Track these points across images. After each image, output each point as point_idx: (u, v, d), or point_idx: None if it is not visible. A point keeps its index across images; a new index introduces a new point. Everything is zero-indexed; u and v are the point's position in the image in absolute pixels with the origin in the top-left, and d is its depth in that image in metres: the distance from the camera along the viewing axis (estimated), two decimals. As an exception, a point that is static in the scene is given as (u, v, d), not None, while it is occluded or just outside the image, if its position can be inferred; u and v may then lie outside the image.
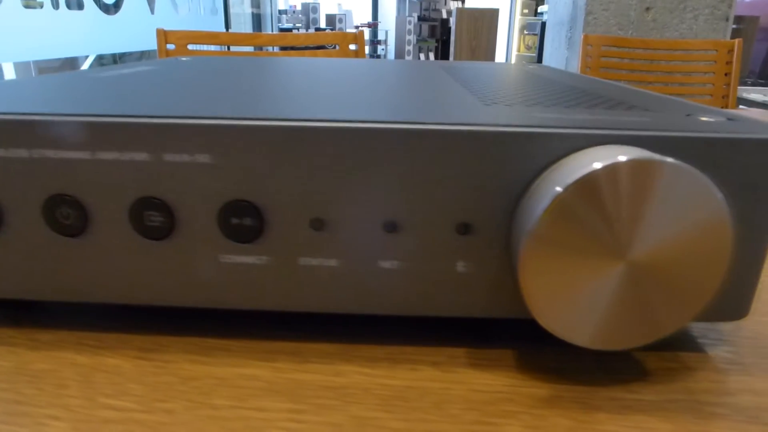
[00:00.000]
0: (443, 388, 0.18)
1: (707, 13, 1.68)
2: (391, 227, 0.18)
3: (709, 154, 0.18)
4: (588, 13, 1.69)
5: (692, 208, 0.16)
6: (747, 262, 0.19)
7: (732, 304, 0.19)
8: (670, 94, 0.28)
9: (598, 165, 0.16)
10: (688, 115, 0.21)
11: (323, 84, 0.28)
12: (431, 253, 0.19)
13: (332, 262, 0.19)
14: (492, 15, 4.71)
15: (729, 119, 0.20)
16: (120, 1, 2.02)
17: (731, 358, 0.20)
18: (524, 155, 0.18)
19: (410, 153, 0.18)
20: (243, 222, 0.18)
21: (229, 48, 1.42)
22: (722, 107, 0.97)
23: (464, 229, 0.18)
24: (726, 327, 0.22)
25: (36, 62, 1.80)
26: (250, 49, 1.23)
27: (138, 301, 0.19)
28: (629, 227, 0.16)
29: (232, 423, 0.16)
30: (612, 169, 0.15)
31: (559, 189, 0.16)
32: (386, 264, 0.19)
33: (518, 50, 5.53)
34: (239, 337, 0.21)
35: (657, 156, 0.16)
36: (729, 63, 1.33)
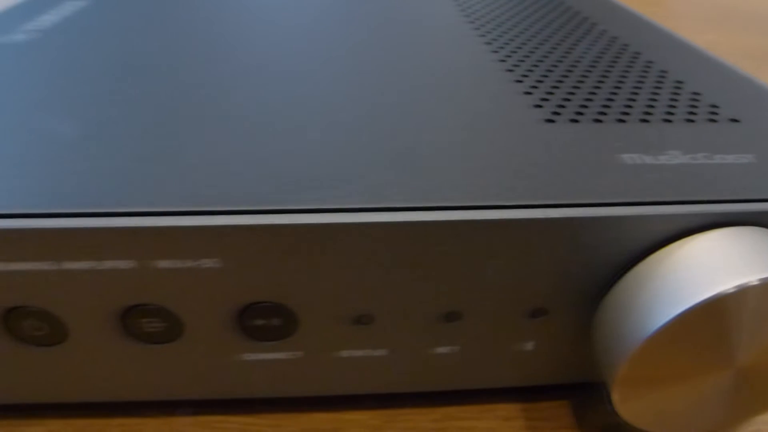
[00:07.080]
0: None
1: None
2: (453, 317, 0.15)
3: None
4: None
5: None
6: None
7: None
8: None
9: (726, 285, 0.13)
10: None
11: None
12: (496, 338, 0.16)
13: (380, 352, 0.16)
14: None
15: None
16: None
17: None
18: (608, 239, 0.14)
19: (460, 245, 0.14)
20: (270, 322, 0.15)
21: None
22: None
23: (539, 313, 0.15)
24: None
25: None
26: None
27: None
28: (751, 341, 0.14)
29: None
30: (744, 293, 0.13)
31: (674, 311, 0.13)
32: (443, 349, 0.16)
33: None
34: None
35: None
36: None
